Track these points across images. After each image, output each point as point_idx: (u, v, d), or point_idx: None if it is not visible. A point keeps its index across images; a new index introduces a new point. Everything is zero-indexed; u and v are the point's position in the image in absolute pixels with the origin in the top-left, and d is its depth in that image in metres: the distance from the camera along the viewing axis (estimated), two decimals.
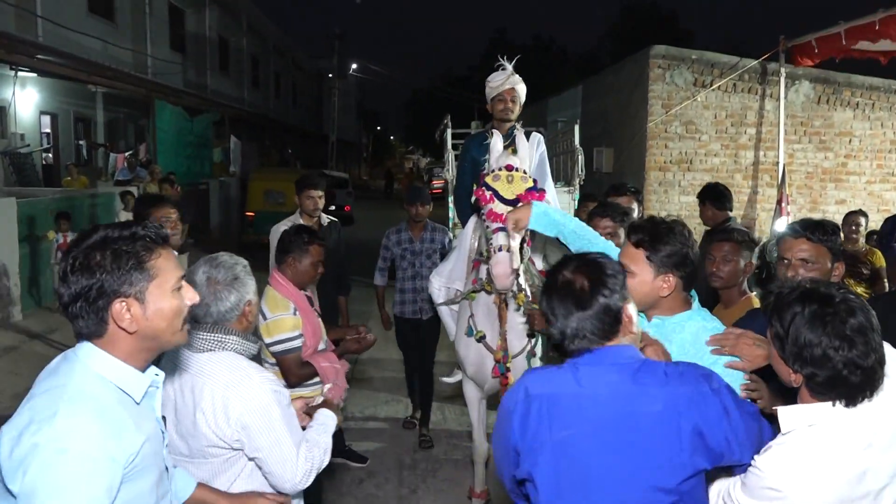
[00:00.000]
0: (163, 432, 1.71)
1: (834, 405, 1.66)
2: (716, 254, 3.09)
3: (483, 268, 3.54)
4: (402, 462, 5.06)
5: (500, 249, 3.18)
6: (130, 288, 1.52)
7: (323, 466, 2.24)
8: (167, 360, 2.14)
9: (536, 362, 3.72)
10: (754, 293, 9.27)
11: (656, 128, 9.57)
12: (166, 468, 1.72)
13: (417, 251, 5.29)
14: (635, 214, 4.19)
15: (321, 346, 3.44)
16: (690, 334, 2.17)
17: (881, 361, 1.63)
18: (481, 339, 3.66)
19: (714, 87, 9.48)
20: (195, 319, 2.14)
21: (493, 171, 3.40)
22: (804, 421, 1.68)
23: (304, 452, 2.15)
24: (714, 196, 4.90)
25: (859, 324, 1.61)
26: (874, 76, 9.47)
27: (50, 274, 8.78)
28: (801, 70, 9.36)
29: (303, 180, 5.03)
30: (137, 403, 1.58)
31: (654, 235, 2.16)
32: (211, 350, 2.15)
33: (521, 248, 3.32)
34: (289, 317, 3.23)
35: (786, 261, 2.49)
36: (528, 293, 3.56)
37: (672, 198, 9.60)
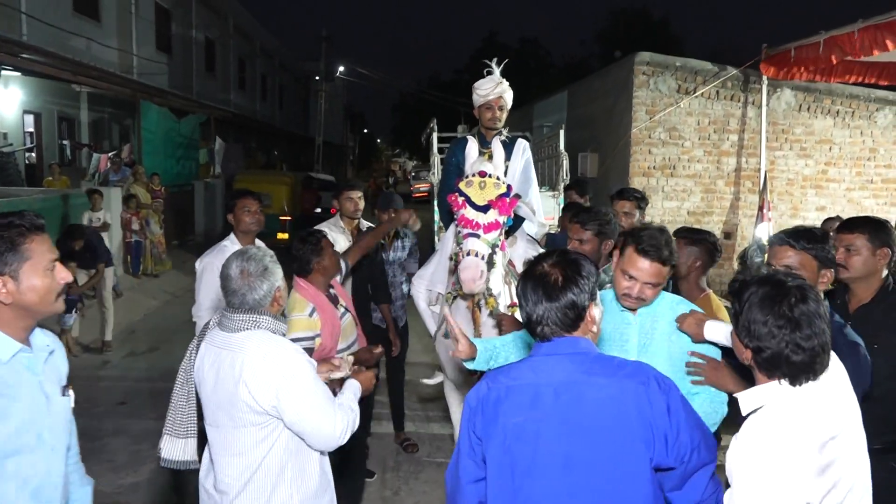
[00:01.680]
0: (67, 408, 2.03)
1: (780, 383, 1.77)
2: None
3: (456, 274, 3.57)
4: (386, 464, 5.07)
5: (468, 254, 3.21)
6: (5, 267, 1.81)
7: (356, 427, 2.49)
8: (206, 342, 2.47)
9: None
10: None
11: (640, 133, 9.66)
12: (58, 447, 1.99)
13: (390, 260, 5.12)
14: (634, 220, 4.22)
15: (342, 345, 3.58)
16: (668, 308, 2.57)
17: (824, 347, 1.75)
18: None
19: (697, 94, 9.59)
20: (233, 307, 2.41)
21: (467, 176, 3.43)
22: (756, 401, 1.81)
23: (339, 412, 2.42)
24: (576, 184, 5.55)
25: (807, 309, 1.74)
26: (854, 85, 9.61)
27: None
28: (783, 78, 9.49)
29: (341, 183, 4.93)
30: (5, 363, 1.83)
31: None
32: (247, 329, 2.39)
33: (493, 256, 3.33)
34: (304, 318, 3.41)
35: (772, 267, 2.56)
36: (507, 296, 3.59)
37: (655, 203, 9.68)
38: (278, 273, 2.48)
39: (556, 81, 25.00)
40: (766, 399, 1.79)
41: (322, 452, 2.52)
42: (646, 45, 10.09)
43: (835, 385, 1.83)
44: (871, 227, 2.89)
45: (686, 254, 3.19)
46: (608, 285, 3.13)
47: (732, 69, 9.54)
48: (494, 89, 4.08)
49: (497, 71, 4.12)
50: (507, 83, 4.16)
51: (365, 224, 4.97)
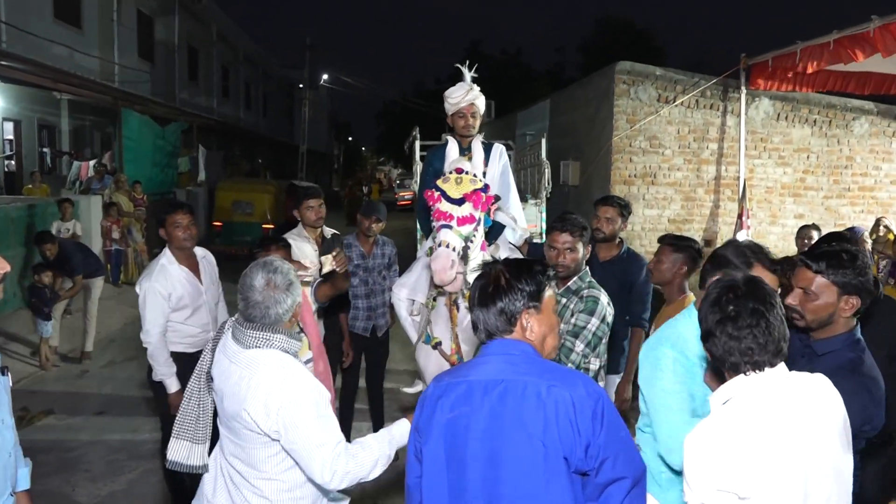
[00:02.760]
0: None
1: (731, 379, 1.86)
2: (657, 255, 3.49)
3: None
4: None
5: (440, 245, 3.20)
6: None
7: (370, 477, 2.32)
8: (220, 350, 2.43)
9: None
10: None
11: (621, 142, 9.73)
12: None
13: (370, 267, 5.09)
14: (616, 226, 4.27)
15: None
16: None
17: (763, 344, 1.81)
18: (437, 345, 3.68)
19: (677, 103, 9.68)
20: (250, 320, 2.33)
21: (444, 174, 3.44)
22: (719, 399, 1.88)
23: (341, 455, 2.23)
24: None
25: (751, 308, 1.81)
26: (831, 95, 9.75)
27: (8, 282, 8.63)
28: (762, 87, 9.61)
29: (299, 192, 4.80)
30: None
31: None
32: (259, 347, 2.32)
33: (467, 248, 3.32)
34: None
35: (792, 287, 2.47)
36: None
37: (636, 211, 9.75)
38: (300, 289, 2.43)
39: (539, 91, 25.11)
40: (729, 395, 1.86)
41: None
42: (628, 55, 10.16)
43: (806, 406, 1.81)
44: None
45: (671, 260, 3.37)
46: (585, 291, 3.16)
47: (712, 78, 9.66)
48: (465, 96, 4.08)
49: (468, 76, 4.13)
50: (479, 89, 4.17)
51: (329, 231, 4.96)
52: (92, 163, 15.06)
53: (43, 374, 7.30)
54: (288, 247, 3.68)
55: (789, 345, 2.44)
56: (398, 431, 2.40)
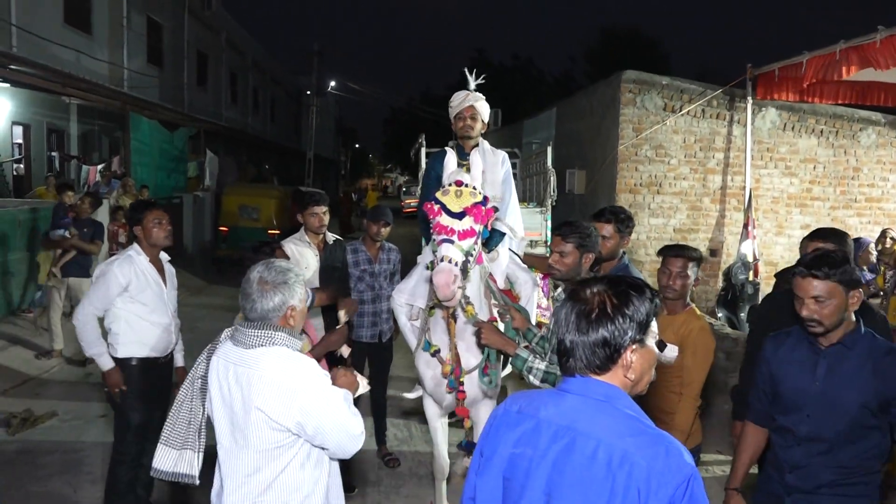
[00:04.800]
0: None
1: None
2: (671, 268, 3.36)
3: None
4: (367, 479, 5.05)
5: (441, 260, 3.21)
6: None
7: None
8: (219, 357, 2.41)
9: (489, 377, 3.71)
10: (720, 314, 9.25)
11: (627, 151, 9.73)
12: None
13: (376, 273, 5.13)
14: (611, 244, 4.19)
15: None
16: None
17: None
18: (436, 353, 3.68)
19: (683, 112, 9.68)
20: (245, 316, 2.39)
21: (443, 186, 3.46)
22: None
23: (354, 417, 2.40)
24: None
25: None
26: (838, 105, 9.73)
27: (14, 284, 8.68)
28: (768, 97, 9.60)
29: (306, 197, 4.84)
30: None
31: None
32: (262, 346, 2.35)
33: (467, 262, 3.33)
34: None
35: (799, 298, 2.59)
36: (486, 309, 3.60)
37: (642, 220, 9.74)
38: (297, 292, 2.42)
39: (546, 99, 25.14)
40: None
41: (332, 473, 2.50)
42: (634, 64, 10.17)
43: None
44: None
45: (692, 272, 3.35)
46: None
47: (718, 88, 9.65)
48: (465, 99, 4.14)
49: (472, 81, 4.17)
50: (480, 94, 4.20)
51: (331, 236, 4.98)
52: (99, 167, 15.15)
53: (47, 377, 7.32)
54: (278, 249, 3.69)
55: (795, 347, 2.68)
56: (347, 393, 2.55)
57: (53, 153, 15.86)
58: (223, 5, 24.19)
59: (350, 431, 2.37)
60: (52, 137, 15.74)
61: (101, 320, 4.05)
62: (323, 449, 2.40)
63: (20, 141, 14.59)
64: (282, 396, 2.26)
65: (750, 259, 8.94)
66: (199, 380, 2.54)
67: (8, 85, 12.66)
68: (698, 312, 3.34)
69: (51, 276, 7.64)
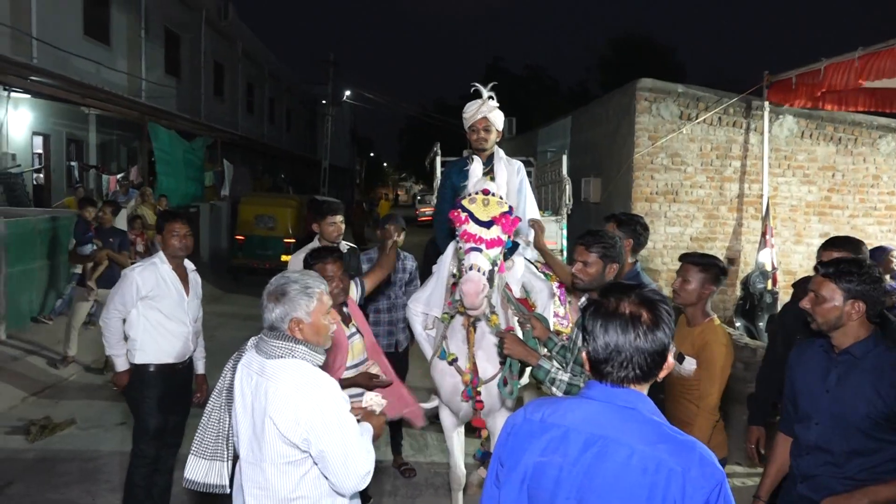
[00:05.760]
0: None
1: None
2: (680, 274, 3.36)
3: (457, 289, 3.55)
4: (383, 489, 5.04)
5: (471, 268, 3.20)
6: None
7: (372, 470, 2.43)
8: (244, 364, 2.44)
9: (508, 387, 3.68)
10: (738, 324, 9.14)
11: (643, 159, 9.69)
12: None
13: (392, 281, 5.06)
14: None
15: (349, 363, 3.54)
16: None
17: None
18: (453, 361, 3.67)
19: (699, 120, 9.64)
20: (267, 326, 2.43)
21: (469, 194, 3.45)
22: None
23: (368, 453, 2.38)
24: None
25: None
26: (856, 112, 9.65)
27: (34, 292, 8.77)
28: (785, 105, 9.54)
29: (323, 207, 4.85)
30: None
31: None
32: (282, 357, 2.37)
33: (493, 273, 3.33)
34: None
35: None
36: (504, 319, 3.58)
37: (658, 228, 9.69)
38: (300, 305, 2.40)
39: (561, 108, 25.12)
40: None
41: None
42: (649, 73, 10.13)
43: None
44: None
45: (699, 280, 3.25)
46: None
47: (734, 95, 9.60)
48: (478, 111, 4.11)
49: (485, 93, 4.14)
50: (495, 105, 4.16)
51: (345, 245, 4.97)
52: (118, 176, 15.31)
53: (66, 385, 7.38)
54: (340, 258, 3.66)
55: (814, 355, 2.67)
56: (367, 429, 2.58)
57: (73, 163, 16.04)
58: (239, 16, 24.43)
59: (354, 467, 2.30)
60: (71, 147, 15.93)
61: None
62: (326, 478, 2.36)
63: (40, 151, 14.77)
64: (291, 410, 2.26)
65: (768, 268, 8.86)
66: (226, 391, 2.54)
67: (28, 96, 12.86)
68: (718, 324, 3.28)
69: (89, 290, 7.73)
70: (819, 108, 8.82)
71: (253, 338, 2.53)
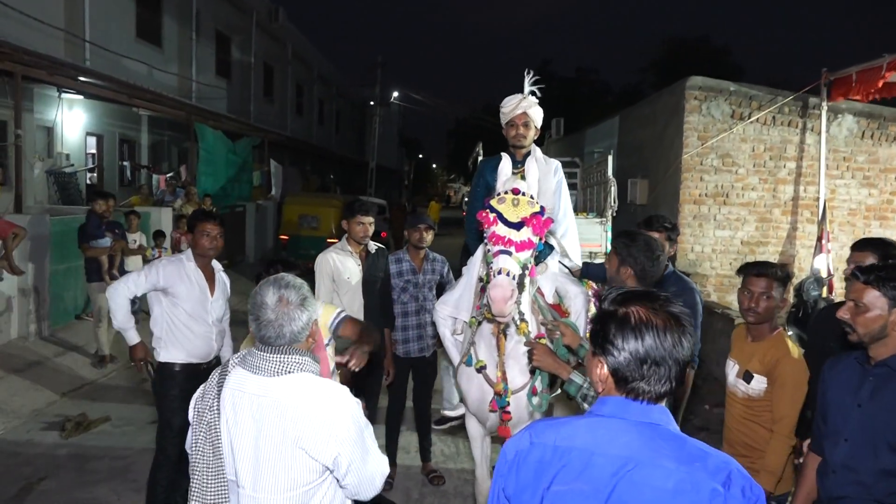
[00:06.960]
0: None
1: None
2: (753, 289, 3.09)
3: (485, 294, 3.37)
4: (410, 496, 4.90)
5: (499, 272, 3.03)
6: None
7: None
8: (233, 388, 2.15)
9: (538, 400, 3.49)
10: (791, 333, 8.81)
11: (691, 160, 9.35)
12: None
13: (420, 283, 4.90)
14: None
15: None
16: None
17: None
18: (481, 368, 3.49)
19: (752, 119, 9.24)
20: (265, 342, 2.15)
21: (498, 194, 3.27)
22: None
23: (381, 456, 2.25)
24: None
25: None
26: None
27: (78, 290, 8.90)
28: (845, 104, 9.08)
29: (354, 206, 4.75)
30: None
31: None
32: (290, 372, 2.13)
33: (523, 277, 3.14)
34: None
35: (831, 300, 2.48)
36: (533, 325, 3.39)
37: (707, 232, 9.34)
38: (316, 305, 2.28)
39: (610, 108, 24.68)
40: None
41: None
42: (704, 73, 9.74)
43: None
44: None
45: (779, 294, 3.07)
46: None
47: (790, 93, 9.18)
48: (517, 106, 3.92)
49: (527, 87, 3.95)
50: (535, 100, 3.97)
51: (373, 245, 4.86)
52: (168, 175, 15.61)
53: (104, 382, 7.45)
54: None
55: (846, 367, 2.47)
56: None
57: (125, 162, 16.41)
58: (289, 19, 24.66)
59: (375, 472, 2.21)
60: (123, 147, 16.30)
61: (147, 322, 4.22)
62: (341, 487, 2.20)
63: (94, 151, 15.14)
64: (325, 430, 2.06)
65: (824, 274, 8.42)
66: (207, 428, 2.22)
67: (81, 97, 13.17)
68: (787, 337, 3.04)
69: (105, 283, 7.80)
70: (877, 102, 8.33)
71: (234, 356, 2.29)
